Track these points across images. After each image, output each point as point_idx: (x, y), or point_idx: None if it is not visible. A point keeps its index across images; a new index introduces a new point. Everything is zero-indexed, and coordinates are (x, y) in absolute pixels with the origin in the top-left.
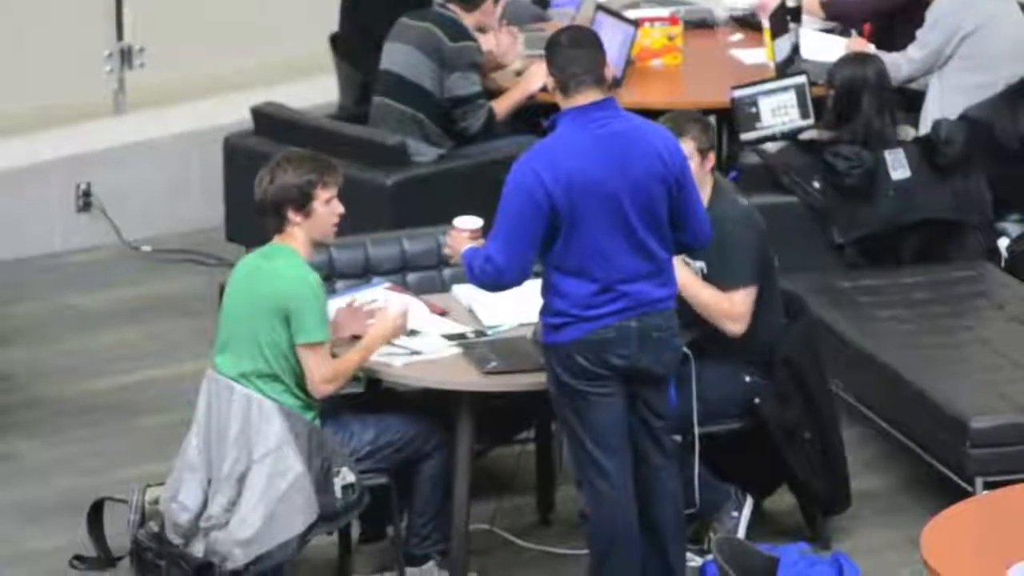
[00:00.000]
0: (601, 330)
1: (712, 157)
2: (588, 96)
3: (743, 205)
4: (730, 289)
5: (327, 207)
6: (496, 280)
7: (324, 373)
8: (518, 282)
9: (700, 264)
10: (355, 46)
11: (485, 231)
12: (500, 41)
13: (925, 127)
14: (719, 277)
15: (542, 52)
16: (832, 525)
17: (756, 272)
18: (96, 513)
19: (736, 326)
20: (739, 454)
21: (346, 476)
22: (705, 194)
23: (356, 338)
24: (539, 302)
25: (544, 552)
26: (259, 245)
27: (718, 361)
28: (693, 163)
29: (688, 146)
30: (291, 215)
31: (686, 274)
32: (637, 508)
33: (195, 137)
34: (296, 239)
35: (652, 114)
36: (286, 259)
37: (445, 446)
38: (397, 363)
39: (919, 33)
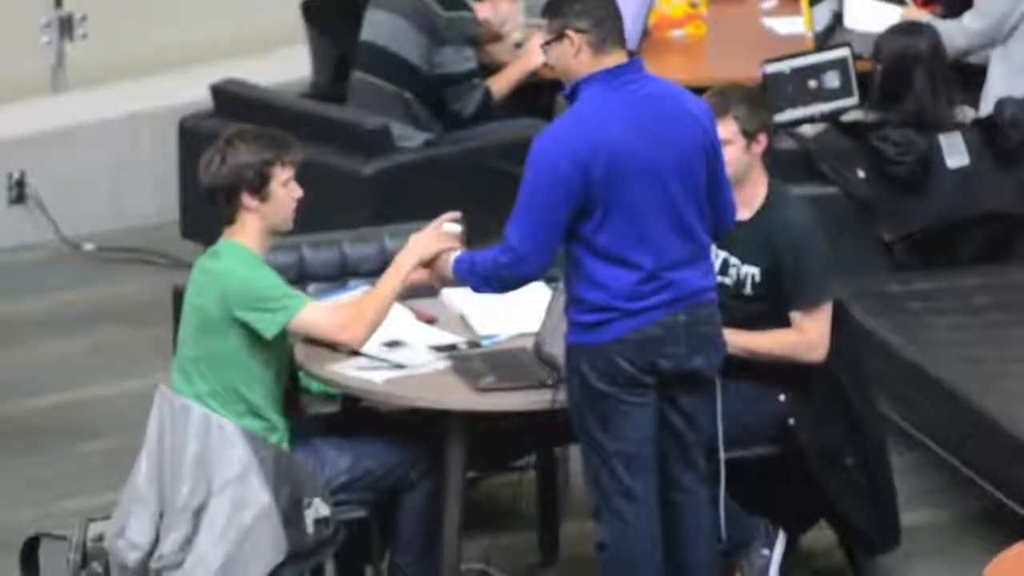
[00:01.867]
0: (648, 327)
1: (763, 140)
2: (617, 57)
3: (804, 202)
4: (810, 309)
5: (285, 189)
6: (513, 271)
7: (334, 325)
8: (538, 275)
9: (750, 270)
10: (331, 14)
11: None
12: (499, 8)
13: (987, 108)
14: (795, 296)
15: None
16: (878, 565)
17: (833, 284)
18: (31, 552)
19: (816, 353)
20: (771, 483)
21: (319, 508)
22: (757, 187)
23: None
24: (540, 309)
25: None
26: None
27: (747, 376)
28: (736, 148)
29: (730, 128)
30: (246, 200)
31: (733, 336)
32: (664, 544)
33: (146, 119)
34: (247, 229)
35: None
36: (232, 258)
37: (433, 474)
38: (377, 379)
39: (976, 0)
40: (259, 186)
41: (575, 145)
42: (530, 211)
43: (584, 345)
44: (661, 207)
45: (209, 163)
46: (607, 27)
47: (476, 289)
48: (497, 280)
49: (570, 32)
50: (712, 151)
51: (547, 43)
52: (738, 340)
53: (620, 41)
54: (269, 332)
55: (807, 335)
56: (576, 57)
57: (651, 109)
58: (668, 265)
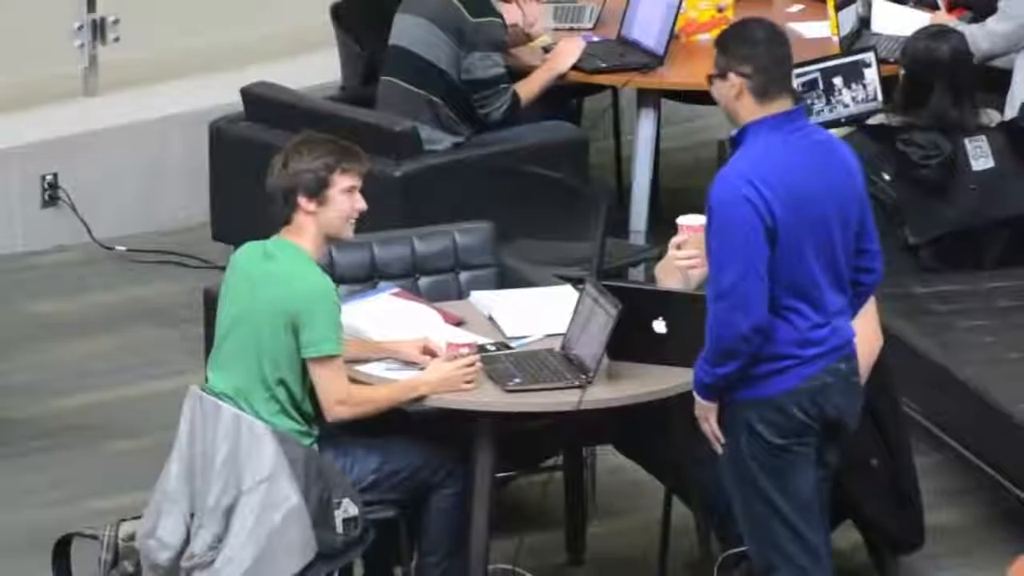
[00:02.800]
0: (820, 374)
1: None
2: (783, 103)
3: None
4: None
5: (346, 197)
6: (748, 323)
7: (340, 393)
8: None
9: None
10: (360, 18)
11: None
12: (526, 11)
13: (1012, 111)
14: None
15: (572, 25)
16: (903, 565)
17: None
18: (63, 551)
19: (878, 344)
20: None
21: (348, 508)
22: None
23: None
24: (568, 311)
25: None
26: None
27: None
28: None
29: None
30: (303, 202)
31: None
32: None
33: (177, 122)
34: (305, 233)
35: (698, 95)
36: (292, 258)
37: (461, 474)
38: (404, 379)
39: (1001, 3)
40: (316, 190)
41: (758, 183)
42: (735, 260)
43: (755, 399)
44: (823, 253)
45: (274, 166)
46: (772, 74)
47: (719, 375)
48: (724, 341)
49: (732, 74)
50: (861, 199)
51: (711, 77)
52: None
53: (786, 88)
54: (299, 351)
55: (871, 329)
56: (737, 100)
57: (819, 156)
58: (832, 313)
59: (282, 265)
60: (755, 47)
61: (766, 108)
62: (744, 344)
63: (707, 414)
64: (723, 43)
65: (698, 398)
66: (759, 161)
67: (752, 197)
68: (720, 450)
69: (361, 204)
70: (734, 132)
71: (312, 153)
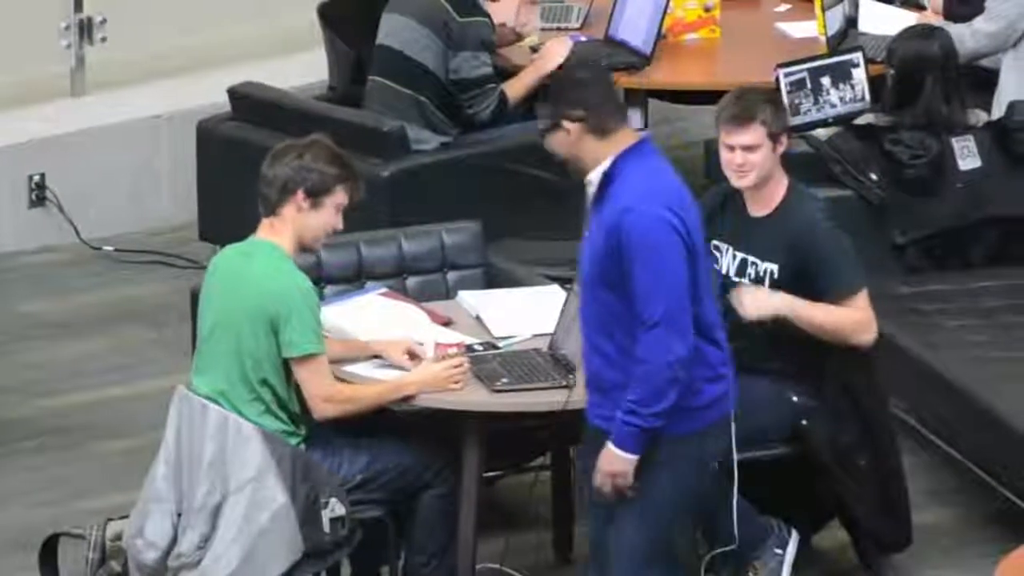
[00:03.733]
0: (734, 384)
1: (784, 141)
2: (627, 135)
3: (819, 199)
4: (850, 295)
5: (334, 212)
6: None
7: (325, 390)
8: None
9: (769, 266)
10: (348, 18)
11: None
12: (522, 11)
13: (999, 111)
14: (832, 285)
15: (559, 25)
16: (891, 564)
17: (862, 269)
18: (50, 551)
19: (869, 335)
20: (784, 483)
21: (335, 508)
22: (778, 188)
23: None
24: (555, 310)
25: None
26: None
27: (760, 377)
28: (764, 150)
29: (758, 133)
30: (299, 197)
31: (789, 301)
32: None
33: (164, 122)
34: (283, 233)
35: (685, 95)
36: (270, 258)
37: (448, 474)
38: (392, 378)
39: (989, 3)
40: (316, 192)
41: (667, 205)
42: (663, 286)
43: (703, 429)
44: (705, 265)
45: (284, 153)
46: (605, 110)
47: (657, 413)
48: (663, 370)
49: (564, 122)
50: None
51: (543, 131)
52: (800, 309)
53: (622, 120)
54: (279, 351)
55: (864, 315)
56: (578, 144)
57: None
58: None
59: (260, 265)
60: (584, 89)
61: (612, 143)
62: (681, 371)
63: (627, 469)
64: (552, 94)
65: (623, 455)
66: (657, 188)
67: (676, 224)
68: (632, 494)
69: (340, 225)
70: (598, 172)
71: (327, 158)
